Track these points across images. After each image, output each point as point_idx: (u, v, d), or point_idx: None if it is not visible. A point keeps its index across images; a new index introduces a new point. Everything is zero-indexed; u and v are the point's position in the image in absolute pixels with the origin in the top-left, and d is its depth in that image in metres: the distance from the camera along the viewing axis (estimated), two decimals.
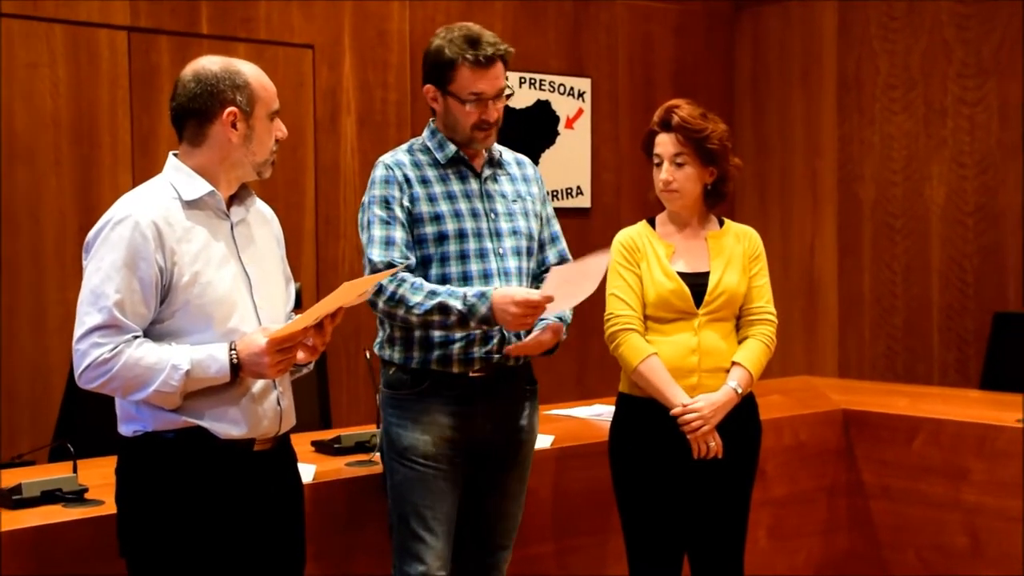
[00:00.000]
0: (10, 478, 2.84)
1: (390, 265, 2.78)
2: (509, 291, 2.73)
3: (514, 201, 2.97)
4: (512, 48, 2.90)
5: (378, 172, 2.89)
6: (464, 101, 2.83)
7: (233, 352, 2.28)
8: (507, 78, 2.89)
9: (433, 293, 2.77)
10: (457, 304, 2.74)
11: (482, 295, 2.74)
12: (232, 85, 2.35)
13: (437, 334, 2.83)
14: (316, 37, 5.04)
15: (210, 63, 2.38)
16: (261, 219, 2.52)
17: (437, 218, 2.85)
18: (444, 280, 2.84)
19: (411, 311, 2.77)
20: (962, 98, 5.54)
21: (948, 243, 5.61)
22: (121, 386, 2.26)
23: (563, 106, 5.82)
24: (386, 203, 2.85)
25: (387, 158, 2.92)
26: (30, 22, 4.38)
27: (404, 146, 2.97)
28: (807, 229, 6.18)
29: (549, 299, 2.71)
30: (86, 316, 2.27)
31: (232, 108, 2.34)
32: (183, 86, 2.37)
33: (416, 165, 2.90)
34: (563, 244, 3.09)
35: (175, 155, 2.41)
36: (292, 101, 4.90)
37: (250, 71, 2.39)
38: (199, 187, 2.36)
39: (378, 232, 2.83)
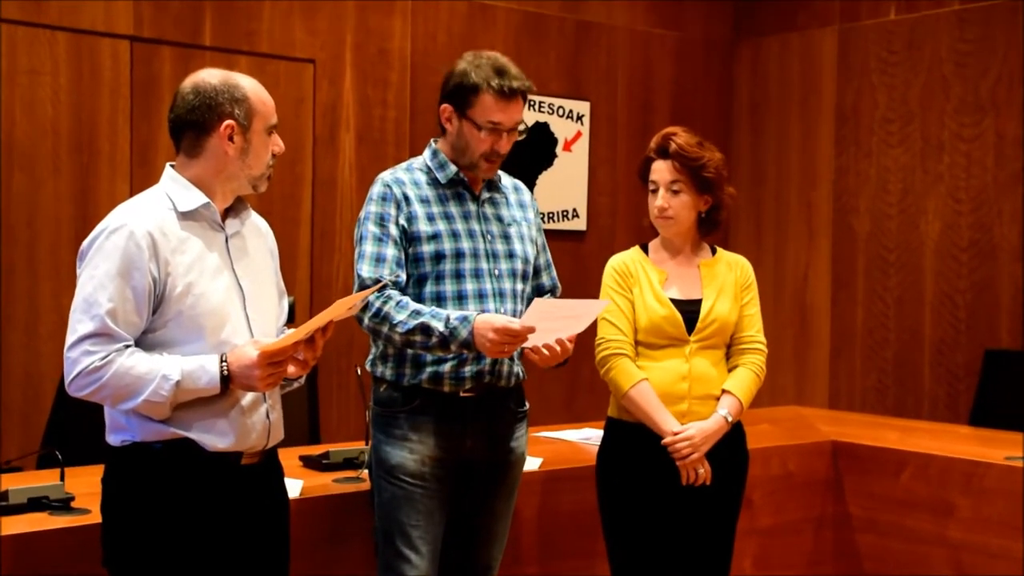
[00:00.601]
0: None
1: (378, 282, 2.78)
2: (491, 318, 2.72)
3: (510, 225, 2.98)
4: (535, 87, 2.93)
5: (376, 189, 2.90)
6: (480, 128, 2.85)
7: (224, 364, 2.28)
8: (527, 110, 2.90)
9: (417, 313, 2.77)
10: (439, 326, 2.74)
11: (464, 319, 2.73)
12: (231, 98, 2.36)
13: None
14: (318, 52, 5.06)
15: (210, 76, 2.39)
16: (256, 232, 2.53)
17: (435, 237, 2.86)
18: (439, 298, 2.85)
19: (394, 328, 2.77)
20: (959, 134, 5.57)
21: (941, 278, 5.63)
22: (111, 395, 2.26)
23: (562, 128, 5.84)
24: (381, 220, 2.86)
25: (387, 175, 2.93)
26: (33, 29, 4.39)
27: (404, 164, 2.98)
28: (801, 259, 6.20)
29: (530, 330, 2.69)
30: (78, 324, 2.27)
31: (230, 121, 2.35)
32: (182, 98, 2.38)
33: (415, 184, 2.91)
34: (555, 273, 3.11)
35: (172, 166, 2.42)
36: (292, 115, 4.92)
37: (249, 85, 2.40)
38: (195, 198, 2.36)
39: (369, 248, 2.84)
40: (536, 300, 2.76)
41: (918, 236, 5.71)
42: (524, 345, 2.75)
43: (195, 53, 4.69)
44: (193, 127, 2.37)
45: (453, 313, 2.76)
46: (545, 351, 2.77)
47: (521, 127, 2.92)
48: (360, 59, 5.17)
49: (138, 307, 2.27)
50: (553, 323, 2.73)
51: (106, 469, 2.37)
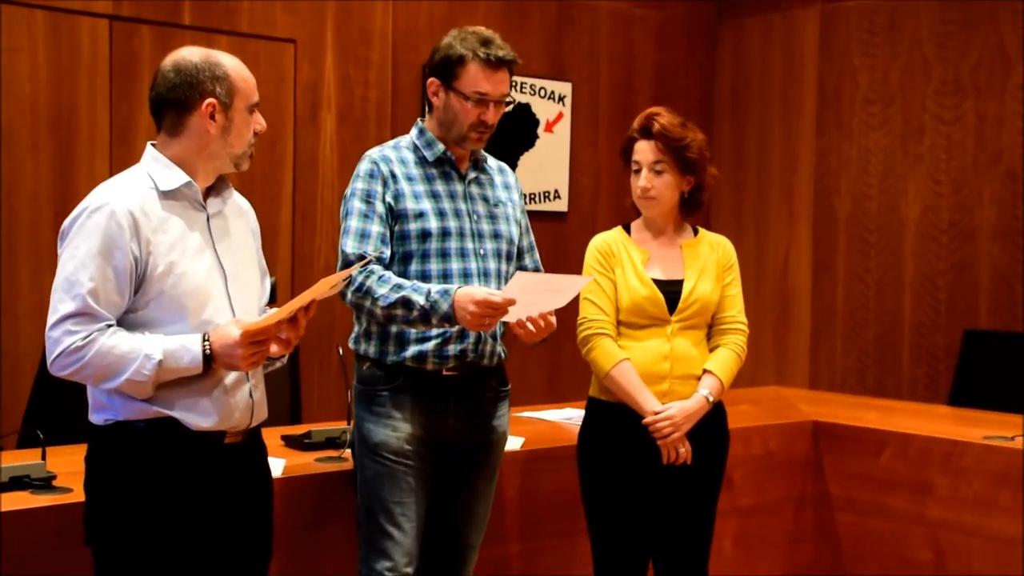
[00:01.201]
0: None
1: (362, 258, 2.79)
2: (471, 290, 2.73)
3: (496, 205, 2.98)
4: (520, 60, 2.94)
5: (363, 166, 2.90)
6: (467, 98, 2.85)
7: (206, 343, 2.28)
8: (512, 88, 2.91)
9: (399, 287, 2.77)
10: (420, 299, 2.74)
11: (445, 292, 2.74)
12: (212, 76, 2.35)
13: (413, 330, 2.84)
14: (298, 32, 5.03)
15: (190, 54, 2.38)
16: (238, 211, 2.52)
17: (421, 215, 2.86)
18: (424, 277, 2.85)
19: (376, 303, 2.77)
20: (940, 116, 5.59)
21: (921, 259, 5.66)
22: (93, 374, 2.26)
23: (543, 110, 5.84)
24: (367, 197, 2.86)
25: (374, 152, 2.93)
26: (11, 7, 4.35)
27: (391, 143, 2.98)
28: (782, 241, 6.22)
29: (511, 302, 2.70)
30: (60, 304, 2.26)
31: (211, 99, 2.34)
32: (163, 76, 2.37)
33: (402, 162, 2.91)
34: (538, 255, 3.12)
35: (153, 145, 2.41)
36: (272, 95, 4.89)
37: (230, 63, 2.39)
38: (176, 178, 2.35)
39: (355, 224, 2.84)
40: (518, 273, 2.76)
41: (898, 217, 5.74)
42: (505, 318, 2.75)
43: (174, 32, 4.66)
44: (174, 105, 2.36)
45: (434, 287, 2.76)
46: (530, 326, 2.77)
47: (509, 99, 2.92)
48: (341, 39, 5.15)
49: (119, 287, 2.27)
50: (535, 297, 2.73)
51: (89, 448, 2.37)
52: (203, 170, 2.40)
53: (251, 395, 2.42)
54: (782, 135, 6.22)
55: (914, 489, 3.83)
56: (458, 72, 2.86)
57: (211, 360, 2.29)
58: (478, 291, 2.72)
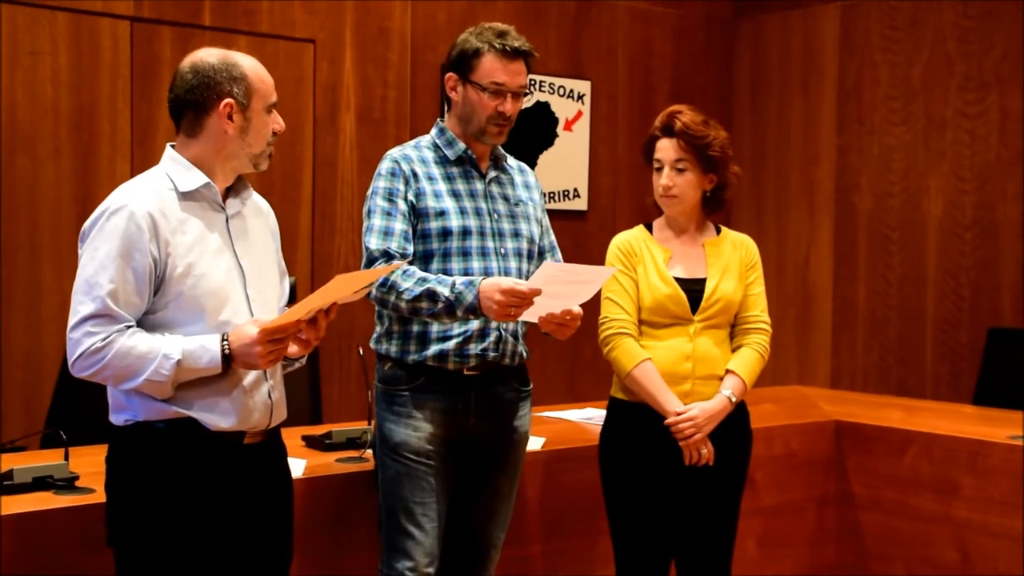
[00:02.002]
0: (1, 463, 2.84)
1: (386, 254, 2.79)
2: (497, 280, 2.72)
3: (516, 205, 2.98)
4: (537, 53, 2.94)
5: (385, 165, 2.90)
6: (484, 89, 2.85)
7: (225, 343, 2.28)
8: (528, 80, 2.91)
9: (423, 280, 2.77)
10: (445, 291, 2.74)
11: (470, 283, 2.73)
12: (229, 77, 2.35)
13: (435, 329, 2.84)
14: (317, 32, 5.04)
15: (208, 55, 2.38)
16: (257, 212, 2.52)
17: (442, 214, 2.86)
18: (445, 275, 2.84)
19: (401, 296, 2.77)
20: (962, 111, 5.55)
21: (944, 256, 5.62)
22: (113, 375, 2.26)
23: (562, 108, 5.82)
24: (390, 195, 2.86)
25: (395, 152, 2.93)
26: (34, 9, 4.37)
27: (412, 142, 2.98)
28: (803, 238, 6.19)
29: (536, 292, 2.68)
30: (80, 305, 2.27)
31: (228, 100, 2.34)
32: (181, 77, 2.37)
33: (423, 161, 2.91)
34: (559, 254, 3.10)
35: (172, 146, 2.42)
36: (292, 96, 4.90)
37: (248, 64, 2.39)
38: (195, 178, 2.36)
39: (378, 222, 2.84)
40: (545, 263, 2.75)
41: (921, 214, 5.70)
42: (528, 313, 2.72)
43: (195, 33, 4.67)
44: (192, 107, 2.36)
45: (459, 279, 2.76)
46: (563, 321, 2.74)
47: (526, 92, 2.92)
48: (360, 39, 5.15)
49: (139, 288, 2.27)
50: (560, 288, 2.72)
51: (110, 448, 2.37)
52: (222, 170, 2.40)
53: (270, 395, 2.42)
54: (801, 132, 6.19)
55: (939, 489, 3.80)
56: (474, 64, 2.86)
57: (230, 360, 2.29)
58: (504, 281, 2.71)
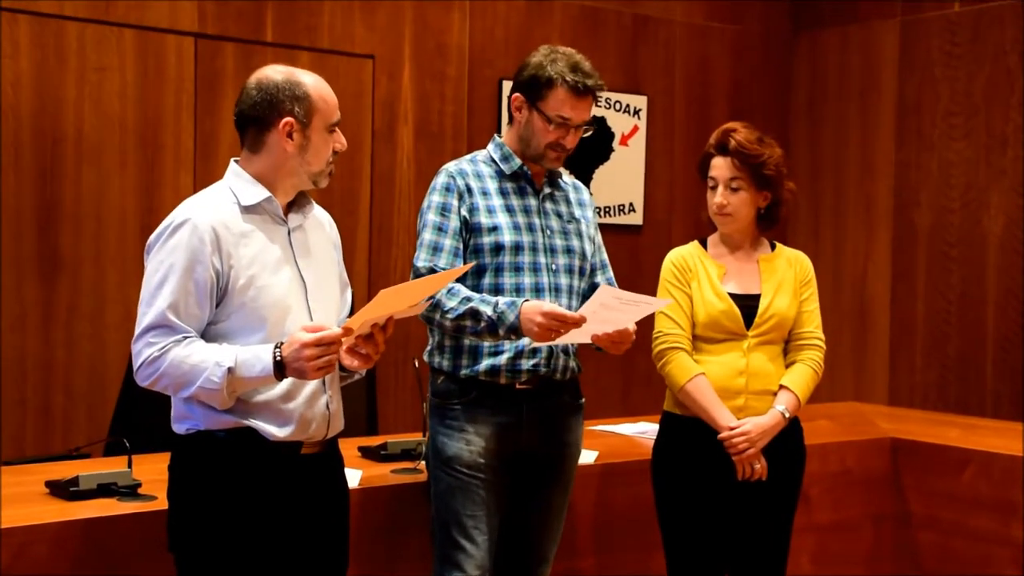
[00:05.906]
0: (67, 470, 2.91)
1: (432, 271, 2.81)
2: (538, 303, 2.74)
3: (569, 222, 3.00)
4: (605, 86, 2.96)
5: (440, 179, 2.93)
6: (550, 121, 2.87)
7: (277, 351, 2.30)
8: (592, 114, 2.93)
9: (467, 299, 2.79)
10: (487, 311, 2.76)
11: (512, 304, 2.75)
12: (291, 96, 2.38)
13: (486, 343, 2.86)
14: (377, 47, 5.10)
15: (274, 72, 2.42)
16: (318, 225, 2.56)
17: (495, 229, 2.88)
18: (497, 290, 2.87)
19: (445, 315, 2.80)
20: None
21: (1005, 274, 5.54)
22: (171, 383, 2.31)
23: (619, 123, 5.83)
24: (443, 210, 2.89)
25: (451, 166, 2.96)
26: (101, 27, 4.48)
27: (468, 157, 3.01)
28: (860, 253, 6.13)
29: (582, 319, 2.69)
30: (142, 316, 2.33)
31: (289, 118, 2.38)
32: (246, 93, 2.42)
33: (478, 176, 2.94)
34: (611, 272, 3.11)
35: (236, 161, 2.46)
36: (351, 110, 4.96)
37: (312, 83, 2.42)
38: (257, 193, 2.40)
39: (428, 237, 2.87)
40: (602, 287, 2.75)
41: (981, 231, 5.63)
42: (577, 334, 2.73)
43: (257, 49, 4.76)
44: (255, 123, 2.41)
45: (502, 299, 2.78)
46: (617, 338, 2.75)
47: (589, 128, 2.93)
48: (418, 54, 5.21)
49: (200, 300, 2.32)
50: (610, 313, 2.73)
51: (172, 457, 2.42)
52: (282, 187, 2.44)
53: (328, 406, 2.45)
54: (859, 147, 6.14)
55: (998, 509, 3.75)
56: (545, 94, 2.87)
57: (283, 367, 2.29)
58: (545, 304, 2.73)
